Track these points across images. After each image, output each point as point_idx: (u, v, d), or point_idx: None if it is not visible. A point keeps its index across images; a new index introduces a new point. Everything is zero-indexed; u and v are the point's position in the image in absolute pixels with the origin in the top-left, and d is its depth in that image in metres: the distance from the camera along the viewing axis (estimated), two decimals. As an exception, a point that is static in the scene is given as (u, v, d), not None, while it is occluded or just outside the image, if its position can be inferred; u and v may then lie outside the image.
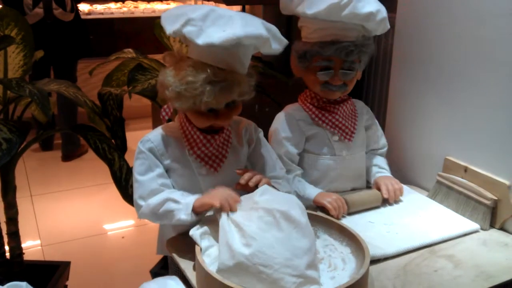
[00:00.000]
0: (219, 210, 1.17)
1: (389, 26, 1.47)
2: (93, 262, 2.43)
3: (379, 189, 1.55)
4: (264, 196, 1.18)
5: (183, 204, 1.23)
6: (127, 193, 1.69)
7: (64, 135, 3.74)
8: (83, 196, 3.19)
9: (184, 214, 1.22)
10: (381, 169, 1.64)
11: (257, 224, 1.09)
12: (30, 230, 2.71)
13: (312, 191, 1.49)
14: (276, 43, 1.22)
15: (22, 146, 1.65)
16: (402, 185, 1.58)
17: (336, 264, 1.18)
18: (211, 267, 1.10)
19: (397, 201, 1.55)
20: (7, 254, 1.82)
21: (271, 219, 1.09)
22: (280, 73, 2.20)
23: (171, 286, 1.14)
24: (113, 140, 1.81)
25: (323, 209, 1.44)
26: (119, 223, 2.88)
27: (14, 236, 1.79)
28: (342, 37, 1.41)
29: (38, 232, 2.73)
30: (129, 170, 1.71)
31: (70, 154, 3.75)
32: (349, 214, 1.47)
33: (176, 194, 1.26)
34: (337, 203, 1.43)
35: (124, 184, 1.70)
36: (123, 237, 2.76)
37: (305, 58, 1.46)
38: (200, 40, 1.14)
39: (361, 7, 1.37)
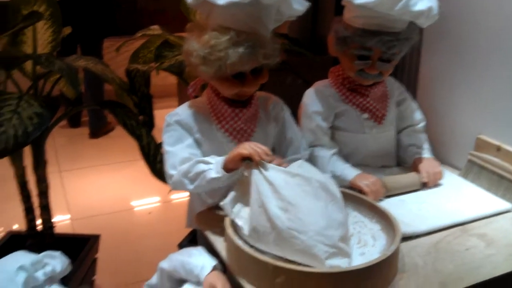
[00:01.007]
0: (250, 164, 1.15)
1: (437, 18, 1.39)
2: (121, 236, 2.48)
3: (418, 171, 1.50)
4: (301, 168, 1.17)
5: (213, 163, 1.21)
6: (155, 168, 1.70)
7: (92, 112, 3.79)
8: (110, 172, 3.25)
9: (215, 172, 1.19)
10: (420, 149, 1.57)
11: (295, 190, 1.08)
12: (60, 204, 2.77)
13: (350, 172, 1.44)
14: (296, 3, 1.24)
15: (52, 121, 1.67)
16: (441, 168, 1.52)
17: (366, 241, 1.17)
18: (244, 229, 1.11)
19: (436, 185, 1.50)
20: (39, 227, 1.86)
21: (310, 188, 1.09)
22: (307, 50, 2.17)
23: (195, 255, 1.15)
24: (140, 117, 1.82)
25: (360, 192, 1.39)
26: (145, 199, 2.93)
27: (45, 209, 1.83)
28: (387, 28, 1.35)
29: (67, 207, 2.79)
30: (157, 146, 1.72)
31: (98, 131, 3.81)
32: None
33: (207, 157, 1.25)
34: (375, 186, 1.38)
35: (152, 159, 1.71)
36: (150, 213, 2.80)
37: (344, 42, 1.42)
38: (221, 0, 1.14)
39: (414, 4, 1.31)
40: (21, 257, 1.16)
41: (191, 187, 1.25)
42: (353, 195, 1.30)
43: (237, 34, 1.18)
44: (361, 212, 1.27)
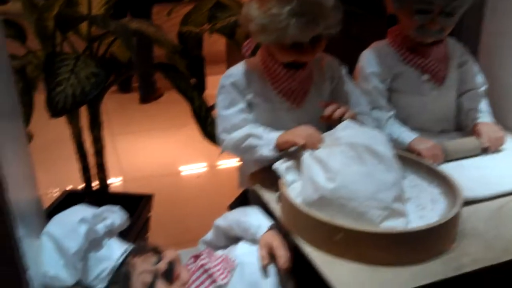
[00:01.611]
0: (303, 148, 1.16)
1: None
2: (172, 198, 2.54)
3: (478, 136, 1.43)
4: (346, 131, 1.15)
5: (265, 139, 1.23)
6: (206, 131, 1.72)
7: (142, 78, 3.85)
8: (160, 137, 3.31)
9: (266, 150, 1.22)
10: (481, 113, 1.50)
11: (340, 159, 1.07)
12: (112, 166, 2.84)
13: (407, 136, 1.40)
14: None
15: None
16: (503, 133, 1.45)
17: (425, 204, 1.14)
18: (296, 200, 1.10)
19: (497, 150, 1.42)
20: (94, 187, 1.92)
21: (354, 153, 1.07)
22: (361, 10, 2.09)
23: (251, 215, 1.15)
24: (192, 79, 1.83)
25: (418, 155, 1.34)
26: (193, 165, 2.97)
27: (101, 168, 1.88)
28: None
29: (119, 169, 2.87)
30: (208, 109, 1.73)
31: (148, 96, 3.87)
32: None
33: (259, 130, 1.26)
34: (434, 150, 1.34)
35: (203, 121, 1.72)
36: (198, 177, 2.85)
37: None
38: None
39: None
40: (82, 210, 1.20)
41: (240, 155, 1.31)
42: (411, 159, 1.26)
43: (300, 4, 1.14)
44: (419, 176, 1.23)
